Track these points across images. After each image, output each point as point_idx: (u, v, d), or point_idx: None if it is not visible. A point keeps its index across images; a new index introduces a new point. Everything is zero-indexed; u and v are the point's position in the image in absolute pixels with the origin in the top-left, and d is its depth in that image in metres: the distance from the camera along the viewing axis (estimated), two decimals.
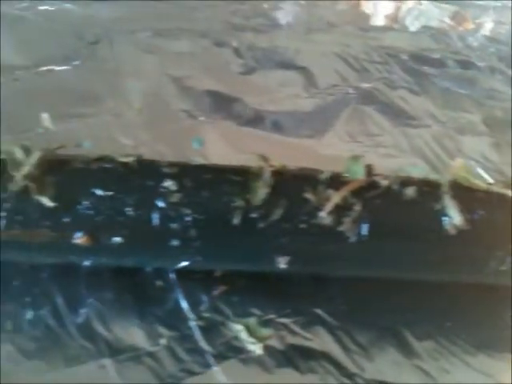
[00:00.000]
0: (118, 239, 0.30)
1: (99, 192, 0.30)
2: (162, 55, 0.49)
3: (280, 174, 0.31)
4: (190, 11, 0.54)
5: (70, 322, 0.31)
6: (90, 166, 0.31)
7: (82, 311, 0.31)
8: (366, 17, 0.58)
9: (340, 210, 0.30)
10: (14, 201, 0.29)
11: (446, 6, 0.60)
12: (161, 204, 0.30)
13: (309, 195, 0.30)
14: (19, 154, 0.30)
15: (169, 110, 0.45)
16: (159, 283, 0.33)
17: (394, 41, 0.56)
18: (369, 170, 0.32)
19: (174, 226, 0.30)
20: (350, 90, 0.48)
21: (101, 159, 0.31)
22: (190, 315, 0.32)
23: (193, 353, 0.30)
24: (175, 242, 0.30)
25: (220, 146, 0.42)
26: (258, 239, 0.31)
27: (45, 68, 0.46)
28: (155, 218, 0.30)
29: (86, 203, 0.29)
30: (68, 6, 0.51)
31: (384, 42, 0.55)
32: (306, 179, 0.32)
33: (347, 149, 0.43)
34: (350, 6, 0.59)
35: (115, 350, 0.30)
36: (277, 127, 0.44)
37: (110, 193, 0.30)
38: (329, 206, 0.30)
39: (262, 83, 0.48)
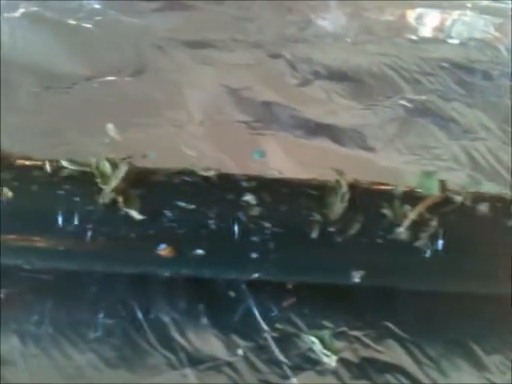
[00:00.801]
0: (200, 251, 0.31)
1: (182, 204, 0.31)
2: (218, 66, 0.50)
3: (354, 188, 0.32)
4: (242, 22, 0.55)
5: (148, 331, 0.32)
6: (172, 179, 0.32)
7: (159, 320, 0.32)
8: (412, 28, 0.59)
9: (416, 226, 0.31)
10: (102, 213, 0.30)
11: (491, 18, 0.61)
12: (241, 217, 0.31)
13: (386, 210, 0.31)
14: (107, 167, 0.31)
15: (228, 121, 0.45)
16: (231, 293, 0.34)
17: (443, 52, 0.56)
18: (442, 185, 0.33)
19: (254, 238, 0.31)
20: (404, 102, 0.49)
21: (182, 172, 0.32)
22: (264, 326, 0.33)
23: (270, 364, 0.31)
24: (254, 255, 0.31)
25: (280, 157, 0.43)
26: (334, 253, 0.31)
27: (105, 79, 0.48)
28: (236, 231, 0.31)
29: (169, 215, 0.30)
30: (125, 18, 0.53)
31: (433, 53, 0.56)
32: (380, 194, 0.32)
33: (405, 161, 0.44)
34: (396, 17, 0.60)
35: (195, 360, 0.31)
36: (334, 139, 0.45)
37: (193, 206, 0.31)
38: (407, 222, 0.31)
39: (318, 95, 0.48)
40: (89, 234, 0.30)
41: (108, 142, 0.42)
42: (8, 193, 0.30)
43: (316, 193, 0.32)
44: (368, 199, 0.32)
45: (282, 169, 0.41)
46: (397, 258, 0.31)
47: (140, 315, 0.32)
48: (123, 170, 0.31)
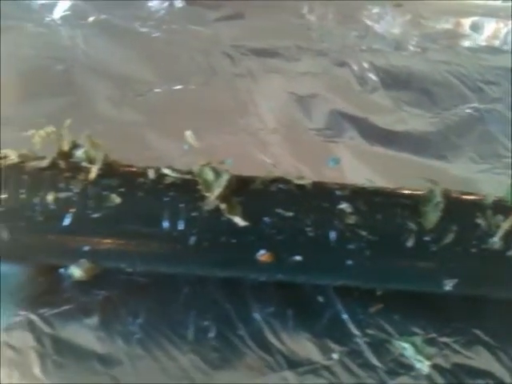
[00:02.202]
0: (297, 257, 0.32)
1: (280, 212, 0.31)
2: (285, 74, 0.51)
3: (447, 198, 0.33)
4: (304, 31, 0.56)
5: (244, 333, 0.33)
6: (268, 188, 0.33)
7: (254, 323, 0.33)
8: (469, 36, 0.59)
9: (510, 236, 0.32)
10: (205, 219, 0.31)
11: None
12: (338, 225, 0.31)
13: (479, 220, 0.32)
14: (210, 175, 0.32)
15: (300, 128, 0.46)
16: (320, 298, 0.35)
17: (502, 60, 0.57)
18: None
19: (350, 246, 0.31)
20: (471, 111, 0.49)
21: (277, 180, 0.33)
22: (355, 331, 0.33)
23: (365, 368, 0.32)
24: (350, 262, 0.32)
25: (354, 165, 0.44)
26: (429, 262, 0.32)
27: (176, 87, 0.49)
28: (333, 238, 0.31)
29: (269, 222, 0.31)
30: (192, 27, 0.55)
31: (492, 61, 0.56)
32: (472, 203, 0.33)
33: (478, 170, 0.44)
34: (453, 25, 0.60)
35: (293, 363, 0.32)
36: (405, 147, 0.46)
37: (290, 213, 0.32)
38: (500, 232, 0.31)
39: (385, 103, 0.49)
40: (192, 239, 0.31)
41: (186, 149, 0.44)
42: (116, 199, 0.31)
43: (409, 202, 0.33)
44: (461, 209, 0.33)
45: (357, 177, 0.42)
46: (490, 267, 0.32)
47: (234, 318, 0.34)
48: (225, 178, 0.32)
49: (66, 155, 0.33)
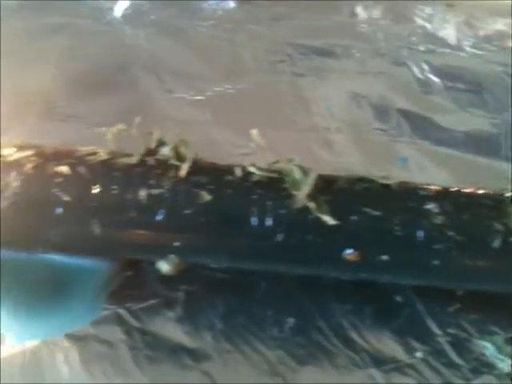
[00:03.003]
0: (384, 257, 0.32)
1: (367, 211, 0.32)
2: (345, 73, 0.51)
3: None
4: (361, 30, 0.56)
5: (327, 331, 0.33)
6: (353, 186, 0.33)
7: (335, 320, 0.34)
8: None
9: None
10: (293, 217, 0.31)
11: None
12: (425, 225, 0.32)
13: None
14: (297, 174, 0.32)
15: (365, 128, 0.47)
16: (398, 298, 0.35)
17: None
18: None
19: (437, 246, 0.32)
20: None
21: (362, 180, 0.33)
22: (436, 331, 0.34)
23: (450, 367, 0.32)
24: (436, 262, 0.32)
25: (421, 164, 0.44)
26: None
27: (240, 85, 0.49)
28: (420, 238, 0.32)
29: (356, 221, 0.32)
30: (252, 26, 0.55)
31: None
32: None
33: None
34: (504, 25, 0.60)
35: (378, 361, 0.32)
36: (470, 148, 0.46)
37: (377, 212, 0.32)
38: None
39: (447, 103, 0.49)
40: (280, 236, 0.32)
41: (253, 147, 0.44)
42: (206, 196, 0.32)
43: (493, 203, 0.33)
44: None
45: (424, 176, 0.42)
46: None
47: (315, 314, 0.34)
48: (313, 176, 0.32)
49: (153, 152, 0.34)
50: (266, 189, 0.32)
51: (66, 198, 0.31)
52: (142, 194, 0.31)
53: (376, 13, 0.59)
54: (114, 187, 0.32)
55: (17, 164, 0.32)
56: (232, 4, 0.58)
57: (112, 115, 0.46)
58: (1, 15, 0.55)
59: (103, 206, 0.31)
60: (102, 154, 0.33)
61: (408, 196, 0.33)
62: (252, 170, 0.33)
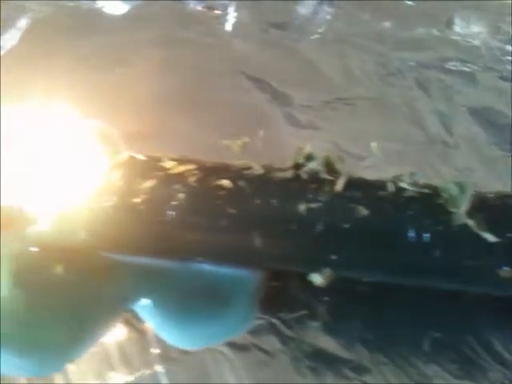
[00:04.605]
0: None
1: None
2: (453, 87, 0.51)
3: None
4: (454, 40, 0.56)
5: (476, 345, 0.34)
6: (506, 202, 0.33)
7: (483, 336, 0.34)
8: None
9: None
10: (452, 234, 0.32)
11: None
12: None
13: None
14: (454, 190, 0.33)
15: (480, 142, 0.46)
16: None
17: None
18: None
19: None
20: None
21: (509, 196, 0.34)
22: None
23: None
24: None
25: None
26: None
27: (348, 99, 0.50)
28: None
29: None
30: (357, 39, 0.55)
31: None
32: None
33: None
34: None
35: None
36: None
37: None
38: None
39: None
40: (437, 252, 0.32)
41: (374, 160, 0.45)
42: (363, 210, 0.32)
43: None
44: None
45: None
46: None
47: (462, 328, 0.34)
48: (470, 193, 0.33)
49: (301, 166, 0.35)
50: (421, 204, 0.33)
51: (230, 210, 0.32)
52: (302, 207, 0.32)
53: (474, 25, 0.59)
54: (273, 200, 0.33)
55: (180, 177, 0.33)
56: (328, 16, 0.59)
57: (230, 128, 0.48)
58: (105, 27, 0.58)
59: (264, 218, 0.32)
60: (258, 168, 0.34)
61: None
62: (404, 185, 0.34)
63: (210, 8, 0.59)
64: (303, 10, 0.58)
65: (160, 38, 0.56)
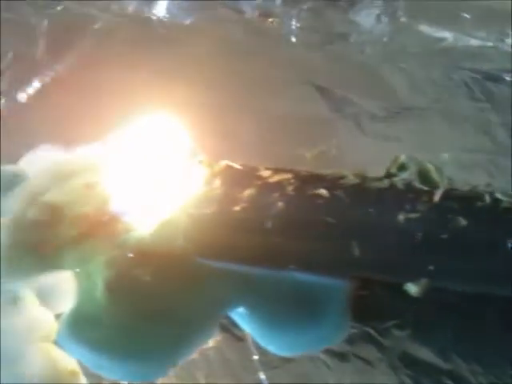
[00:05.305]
0: None
1: None
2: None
3: None
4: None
5: None
6: None
7: None
8: None
9: None
10: None
11: None
12: None
13: None
14: None
15: None
16: None
17: None
18: None
19: None
20: None
21: None
22: None
23: None
24: None
25: None
26: None
27: (417, 109, 0.50)
28: None
29: None
30: (415, 49, 0.56)
31: None
32: None
33: None
34: None
35: None
36: None
37: None
38: None
39: None
40: None
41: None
42: (462, 221, 0.33)
43: None
44: None
45: None
46: None
47: None
48: None
49: (393, 176, 0.35)
50: None
51: (328, 219, 0.33)
52: (401, 217, 0.33)
53: None
54: (371, 210, 0.33)
55: (278, 185, 0.34)
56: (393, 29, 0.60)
57: (300, 138, 0.49)
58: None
59: (362, 227, 0.33)
60: (352, 178, 0.35)
61: None
62: (499, 196, 0.34)
63: (267, 15, 0.60)
64: (363, 21, 0.59)
65: (223, 48, 0.57)
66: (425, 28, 0.59)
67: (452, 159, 0.46)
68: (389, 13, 0.60)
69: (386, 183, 0.34)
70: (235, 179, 0.34)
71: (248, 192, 0.33)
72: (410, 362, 0.32)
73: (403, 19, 0.59)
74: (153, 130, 0.36)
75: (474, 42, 0.60)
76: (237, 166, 0.35)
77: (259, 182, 0.34)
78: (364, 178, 0.34)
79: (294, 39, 0.56)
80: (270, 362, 0.32)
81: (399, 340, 0.34)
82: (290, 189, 0.33)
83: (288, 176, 0.34)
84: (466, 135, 0.49)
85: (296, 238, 0.33)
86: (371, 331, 0.34)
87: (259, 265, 0.34)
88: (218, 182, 0.34)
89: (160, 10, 0.61)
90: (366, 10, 0.61)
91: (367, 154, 0.47)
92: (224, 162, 0.35)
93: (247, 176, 0.34)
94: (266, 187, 0.34)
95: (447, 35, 0.59)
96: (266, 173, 0.34)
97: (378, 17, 0.59)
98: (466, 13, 0.62)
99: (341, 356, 0.32)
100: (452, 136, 0.48)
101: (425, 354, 0.33)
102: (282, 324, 0.34)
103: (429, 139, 0.48)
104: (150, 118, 0.37)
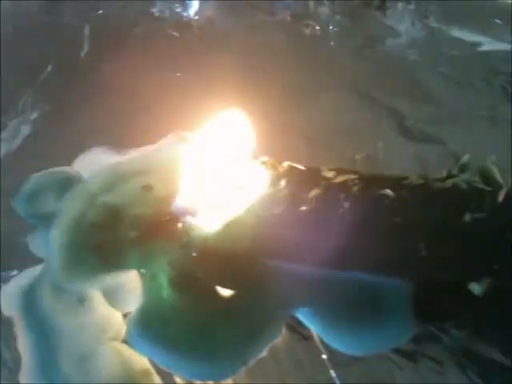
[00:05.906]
0: None
1: None
2: None
3: None
4: None
5: None
6: None
7: None
8: None
9: None
10: None
11: None
12: None
13: None
14: None
15: None
16: None
17: None
18: None
19: None
20: None
21: None
22: None
23: None
24: None
25: None
26: None
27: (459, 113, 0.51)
28: None
29: None
30: (454, 52, 0.57)
31: None
32: None
33: None
34: None
35: None
36: None
37: None
38: None
39: None
40: None
41: None
42: None
43: None
44: None
45: None
46: None
47: None
48: None
49: (454, 176, 0.36)
50: None
51: (396, 219, 0.33)
52: (467, 217, 0.33)
53: None
54: (437, 210, 0.33)
55: (344, 186, 0.34)
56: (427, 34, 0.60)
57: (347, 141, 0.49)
58: None
59: (429, 227, 0.33)
60: (415, 178, 0.35)
61: None
62: None
63: (298, 16, 0.61)
64: (398, 25, 0.60)
65: (262, 52, 0.57)
66: (457, 32, 0.60)
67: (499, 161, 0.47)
68: (421, 18, 0.61)
69: (448, 183, 0.34)
70: (300, 180, 0.34)
71: (314, 192, 0.33)
72: (478, 362, 0.33)
73: (435, 24, 0.60)
74: (214, 132, 0.36)
75: (508, 47, 0.61)
76: (300, 167, 0.35)
77: (324, 183, 0.34)
78: (427, 179, 0.35)
79: (332, 43, 0.57)
80: (339, 360, 0.32)
81: (464, 339, 0.34)
82: (355, 189, 0.34)
83: (352, 176, 0.34)
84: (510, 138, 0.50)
85: (362, 238, 0.33)
86: (435, 331, 0.34)
87: (325, 265, 0.34)
88: (283, 183, 0.34)
89: (195, 13, 0.62)
90: (399, 14, 0.62)
91: (413, 157, 0.48)
92: (287, 163, 0.35)
93: (312, 176, 0.34)
94: (332, 188, 0.34)
95: (481, 40, 0.60)
96: (329, 173, 0.34)
97: (412, 21, 0.60)
98: (497, 18, 0.63)
99: (409, 355, 0.33)
100: (497, 139, 0.49)
101: (491, 352, 0.33)
102: (347, 323, 0.34)
103: (472, 142, 0.48)
104: (209, 120, 0.38)
